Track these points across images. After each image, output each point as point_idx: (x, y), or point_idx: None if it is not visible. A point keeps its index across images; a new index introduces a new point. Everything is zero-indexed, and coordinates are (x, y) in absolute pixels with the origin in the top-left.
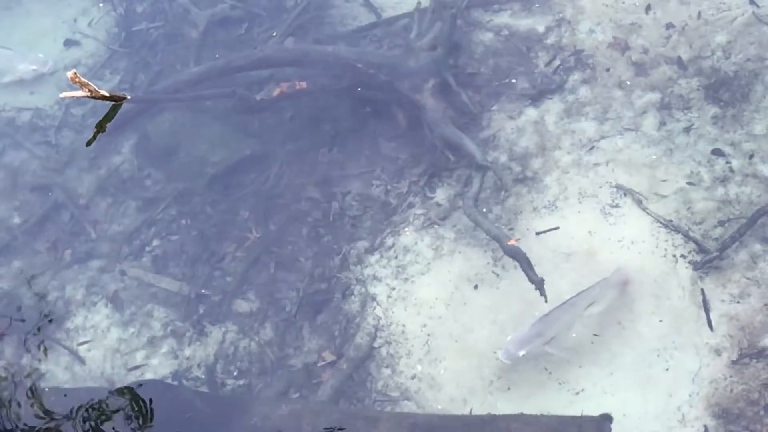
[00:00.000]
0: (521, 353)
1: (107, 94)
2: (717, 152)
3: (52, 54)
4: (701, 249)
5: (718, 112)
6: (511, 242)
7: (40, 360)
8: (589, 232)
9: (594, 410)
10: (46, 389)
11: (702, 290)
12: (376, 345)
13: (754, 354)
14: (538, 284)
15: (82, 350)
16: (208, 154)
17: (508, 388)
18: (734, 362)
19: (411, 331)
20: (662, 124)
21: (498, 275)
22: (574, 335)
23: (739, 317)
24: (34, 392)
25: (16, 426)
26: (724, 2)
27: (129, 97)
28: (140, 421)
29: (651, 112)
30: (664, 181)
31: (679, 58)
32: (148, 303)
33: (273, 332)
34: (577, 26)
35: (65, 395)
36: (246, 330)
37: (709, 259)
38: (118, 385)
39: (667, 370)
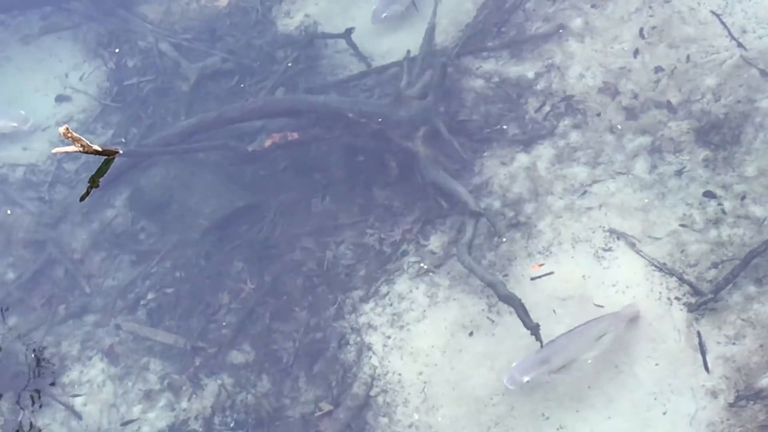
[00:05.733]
0: (526, 379)
1: (100, 149)
2: (709, 194)
3: (44, 110)
4: (696, 291)
5: (709, 155)
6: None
7: (36, 416)
8: (583, 276)
9: None
10: None
11: (698, 332)
12: (372, 394)
13: (751, 396)
14: (534, 330)
15: (78, 405)
16: (201, 206)
17: None
18: (731, 404)
19: (407, 379)
20: (654, 167)
21: (493, 321)
22: (590, 361)
23: (735, 359)
24: None
25: None
26: (713, 45)
27: (121, 152)
28: None
29: (642, 155)
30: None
31: (669, 101)
32: (143, 356)
33: (269, 383)
34: (566, 72)
35: None
36: (242, 382)
37: (703, 301)
38: None
39: (664, 413)
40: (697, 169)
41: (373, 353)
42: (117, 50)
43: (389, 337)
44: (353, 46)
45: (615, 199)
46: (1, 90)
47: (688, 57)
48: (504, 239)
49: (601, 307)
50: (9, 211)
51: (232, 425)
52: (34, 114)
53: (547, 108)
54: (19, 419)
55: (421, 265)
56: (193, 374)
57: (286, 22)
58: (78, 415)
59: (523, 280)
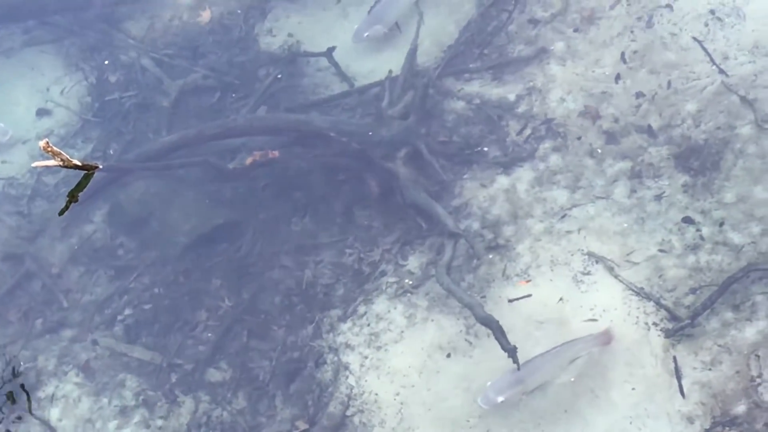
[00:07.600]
0: (500, 399)
1: (79, 164)
2: (687, 220)
3: (24, 123)
4: (673, 316)
5: (689, 181)
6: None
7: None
8: (561, 299)
9: None
10: None
11: (674, 358)
12: (349, 414)
13: (727, 422)
14: (511, 352)
15: (53, 420)
16: (181, 223)
17: None
18: (707, 430)
19: (384, 399)
20: (633, 192)
21: (471, 343)
22: (572, 379)
23: (711, 384)
24: None
25: None
26: (694, 71)
27: (101, 167)
28: None
29: (622, 180)
30: (636, 249)
31: (650, 126)
32: (120, 372)
33: (246, 401)
34: (547, 95)
35: None
36: (219, 399)
37: (680, 327)
38: None
39: None
40: (676, 195)
41: (350, 373)
42: (106, 62)
43: (366, 357)
44: (335, 65)
45: (594, 223)
46: None
47: (669, 83)
48: (487, 259)
49: (595, 321)
50: None
51: None
52: (14, 127)
53: (527, 131)
54: None
55: (406, 281)
56: (169, 391)
57: (269, 40)
58: (53, 430)
59: (500, 302)
